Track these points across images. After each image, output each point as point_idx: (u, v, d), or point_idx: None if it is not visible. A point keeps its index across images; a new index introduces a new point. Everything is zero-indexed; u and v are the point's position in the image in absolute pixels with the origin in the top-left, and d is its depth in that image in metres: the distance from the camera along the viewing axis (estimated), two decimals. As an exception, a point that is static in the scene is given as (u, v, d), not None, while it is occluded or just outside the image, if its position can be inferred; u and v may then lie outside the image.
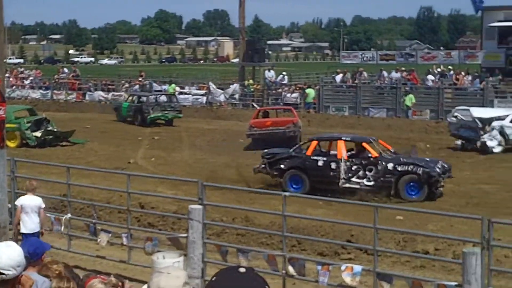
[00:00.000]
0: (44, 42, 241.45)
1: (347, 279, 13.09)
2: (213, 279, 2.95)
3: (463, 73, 55.10)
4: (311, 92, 51.94)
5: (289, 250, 14.96)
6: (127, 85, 61.22)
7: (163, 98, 48.92)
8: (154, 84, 60.37)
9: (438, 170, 23.77)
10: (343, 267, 13.42)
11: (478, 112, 35.89)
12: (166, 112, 45.42)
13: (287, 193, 15.30)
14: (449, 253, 15.66)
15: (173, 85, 58.65)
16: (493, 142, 33.52)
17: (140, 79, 62.87)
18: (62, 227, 16.84)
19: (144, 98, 47.46)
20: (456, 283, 12.10)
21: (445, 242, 16.16)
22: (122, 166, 28.09)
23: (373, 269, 13.28)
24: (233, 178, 25.91)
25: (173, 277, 4.25)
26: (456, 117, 36.26)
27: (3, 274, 4.73)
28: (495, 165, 30.45)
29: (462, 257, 11.86)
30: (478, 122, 34.16)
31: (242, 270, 2.94)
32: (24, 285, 5.04)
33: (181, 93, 56.93)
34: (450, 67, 58.77)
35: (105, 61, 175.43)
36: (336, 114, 49.70)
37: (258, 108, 43.85)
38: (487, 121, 34.17)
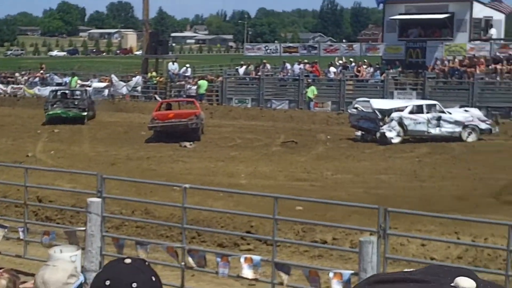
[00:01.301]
0: None
1: (249, 273, 13.15)
2: (100, 270, 2.93)
3: (364, 65, 55.89)
4: (203, 83, 52.25)
5: (188, 242, 14.96)
6: (26, 77, 60.30)
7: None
8: (55, 77, 59.58)
9: None
10: (242, 258, 13.47)
11: (378, 103, 36.47)
12: (68, 109, 41.97)
13: (187, 185, 15.24)
14: (346, 242, 15.89)
15: (75, 77, 57.92)
16: (392, 133, 34.08)
17: (41, 71, 62.00)
18: (-44, 222, 16.56)
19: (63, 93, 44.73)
20: (352, 272, 12.26)
21: (343, 231, 16.40)
22: (20, 159, 27.70)
23: (272, 259, 13.38)
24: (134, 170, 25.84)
25: (59, 270, 4.26)
26: (356, 108, 36.76)
27: None
28: (393, 155, 31.00)
29: (358, 246, 12.05)
30: (378, 113, 34.67)
31: (128, 261, 2.92)
32: None
33: (82, 85, 56.36)
34: (351, 59, 59.38)
35: (9, 52, 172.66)
36: (239, 106, 49.86)
37: (160, 100, 43.86)
38: (386, 112, 34.72)
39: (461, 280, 1.01)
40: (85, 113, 41.93)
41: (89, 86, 56.19)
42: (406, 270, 1.16)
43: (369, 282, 1.07)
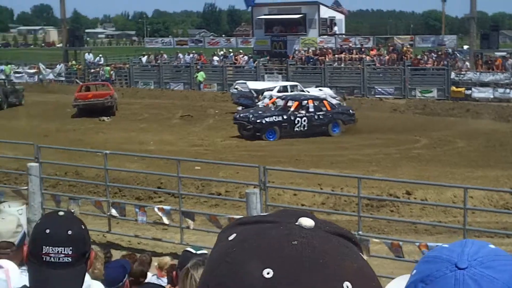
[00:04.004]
0: None
1: (166, 219, 13.10)
2: (38, 221, 2.91)
3: (240, 55, 56.02)
4: (106, 69, 51.83)
5: (112, 196, 14.76)
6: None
7: None
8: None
9: None
10: (156, 208, 13.39)
11: (253, 84, 36.63)
12: None
13: (107, 151, 14.98)
14: (236, 194, 15.96)
15: (9, 65, 56.21)
16: (263, 107, 34.34)
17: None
18: None
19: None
20: (242, 216, 12.34)
21: (233, 185, 16.47)
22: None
23: (179, 208, 13.34)
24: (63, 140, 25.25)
25: (7, 222, 4.15)
26: (237, 89, 36.83)
27: None
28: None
29: (245, 197, 12.12)
30: (254, 92, 34.82)
31: (61, 213, 2.94)
32: None
33: (16, 72, 54.74)
34: (230, 50, 59.46)
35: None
36: (144, 87, 49.30)
37: (81, 83, 42.82)
38: (260, 92, 34.89)
39: (303, 220, 1.03)
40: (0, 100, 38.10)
41: (23, 73, 54.50)
42: (262, 214, 1.18)
43: (233, 225, 1.08)
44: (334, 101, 34.76)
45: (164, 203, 14.70)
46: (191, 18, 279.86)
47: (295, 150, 24.39)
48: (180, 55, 57.53)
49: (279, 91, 34.96)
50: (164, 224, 13.32)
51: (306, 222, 1.02)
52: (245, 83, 37.08)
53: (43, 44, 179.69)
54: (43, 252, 2.71)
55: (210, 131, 29.46)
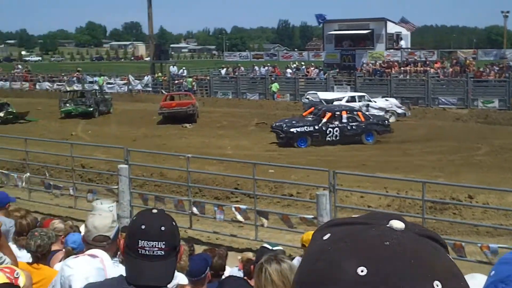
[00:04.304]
0: (2, 46, 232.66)
1: (240, 217, 13.17)
2: (134, 218, 2.96)
3: (311, 67, 55.91)
4: (189, 80, 52.44)
5: (193, 196, 14.89)
6: (66, 77, 59.81)
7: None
8: (87, 77, 59.12)
9: None
10: (233, 207, 13.47)
11: (323, 95, 36.52)
12: (77, 106, 38.35)
13: (189, 155, 15.15)
14: (307, 195, 15.88)
15: (102, 77, 57.62)
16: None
17: (77, 73, 61.50)
18: (23, 183, 16.42)
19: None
20: (313, 216, 12.28)
21: (304, 187, 16.39)
22: (67, 137, 27.44)
23: (254, 208, 13.39)
24: (150, 144, 25.66)
25: (103, 217, 4.28)
26: (308, 98, 36.78)
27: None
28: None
29: (316, 198, 12.05)
30: (324, 102, 34.66)
31: (154, 211, 2.98)
32: (-5, 226, 4.83)
33: (108, 83, 56.06)
34: (302, 63, 59.42)
35: (52, 59, 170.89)
36: (223, 97, 49.69)
37: (166, 93, 43.47)
38: (330, 101, 34.72)
39: (394, 222, 1.03)
40: (92, 109, 38.29)
41: (114, 83, 55.69)
42: (353, 216, 1.13)
43: (327, 226, 1.08)
44: (400, 110, 34.41)
45: (241, 203, 14.74)
46: (266, 34, 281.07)
47: (362, 155, 24.14)
48: (256, 67, 57.84)
49: (347, 101, 34.76)
50: (239, 221, 13.39)
51: (397, 224, 1.02)
52: (316, 93, 36.99)
53: (132, 58, 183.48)
54: (139, 245, 2.79)
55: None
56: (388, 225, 1.02)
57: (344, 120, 27.15)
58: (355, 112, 28.00)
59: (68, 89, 50.15)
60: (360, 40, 57.43)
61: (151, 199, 14.59)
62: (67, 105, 38.39)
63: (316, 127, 26.84)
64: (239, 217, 13.11)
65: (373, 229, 1.01)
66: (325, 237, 1.03)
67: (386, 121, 28.57)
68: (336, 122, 27.06)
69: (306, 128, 26.84)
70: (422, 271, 0.96)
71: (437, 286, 0.96)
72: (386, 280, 0.95)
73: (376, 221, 1.04)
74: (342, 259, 0.98)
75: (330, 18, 61.62)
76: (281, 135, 26.89)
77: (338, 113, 27.60)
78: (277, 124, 27.81)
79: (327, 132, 26.79)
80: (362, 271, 0.95)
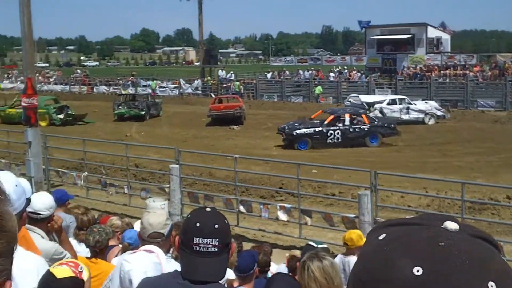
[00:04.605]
0: (63, 51, 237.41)
1: (284, 216, 13.18)
2: (188, 216, 2.97)
3: (354, 71, 55.60)
4: (236, 84, 52.55)
5: (240, 194, 14.95)
6: (121, 81, 60.66)
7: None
8: (141, 81, 59.82)
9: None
10: (278, 206, 13.49)
11: (365, 98, 36.30)
12: (130, 109, 38.43)
13: (237, 155, 15.23)
14: (348, 195, 15.78)
15: (154, 81, 58.22)
16: (375, 118, 33.92)
17: (132, 77, 62.31)
18: (82, 182, 16.70)
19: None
20: (354, 215, 12.23)
21: (346, 187, 16.28)
22: (121, 138, 27.81)
23: (298, 206, 13.39)
24: (199, 145, 25.86)
25: (158, 215, 4.32)
26: (350, 101, 36.58)
27: (40, 214, 4.66)
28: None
29: (358, 197, 12.00)
30: (365, 104, 34.48)
31: (208, 209, 3.00)
32: (56, 221, 4.95)
33: (161, 86, 56.64)
34: (345, 67, 59.17)
35: (109, 64, 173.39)
36: (268, 100, 49.72)
37: (214, 96, 43.73)
38: (371, 104, 34.51)
39: (449, 223, 1.00)
40: (144, 112, 38.29)
41: (166, 87, 56.24)
42: (406, 217, 1.13)
43: (382, 226, 1.07)
44: (439, 113, 33.83)
45: (285, 202, 14.75)
46: (310, 39, 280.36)
47: (402, 156, 23.88)
48: (300, 71, 57.80)
49: (388, 104, 34.50)
50: (284, 220, 13.41)
51: (451, 225, 1.01)
52: (358, 96, 36.77)
53: (183, 63, 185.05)
54: (194, 242, 2.82)
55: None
56: (442, 226, 1.01)
57: (347, 123, 26.62)
58: (359, 115, 27.39)
59: (123, 92, 50.84)
60: (401, 45, 56.91)
61: (200, 197, 14.70)
62: (120, 108, 38.70)
63: (317, 130, 26.39)
64: (282, 217, 13.13)
65: (427, 230, 1.00)
66: (381, 237, 1.03)
67: (392, 124, 27.58)
68: (339, 125, 26.58)
69: (307, 131, 26.39)
70: (477, 272, 0.95)
71: (492, 286, 0.94)
72: (441, 280, 0.94)
73: (431, 222, 1.03)
74: (397, 259, 0.97)
75: (372, 24, 61.30)
76: (283, 137, 26.77)
77: (341, 115, 27.14)
78: (281, 126, 27.62)
79: (328, 134, 26.32)
80: (417, 271, 0.94)
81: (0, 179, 3.28)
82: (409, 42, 56.71)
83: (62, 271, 3.19)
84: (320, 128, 26.40)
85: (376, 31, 59.39)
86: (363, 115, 27.15)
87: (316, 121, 27.55)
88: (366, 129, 26.49)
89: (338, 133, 26.31)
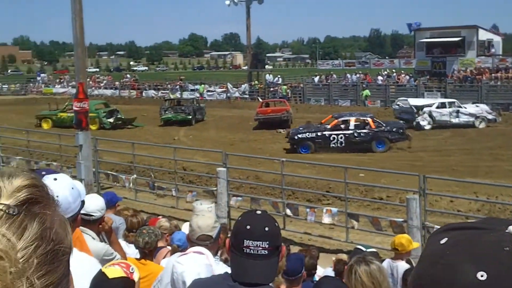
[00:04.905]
0: (113, 57, 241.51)
1: (327, 219, 13.13)
2: (239, 218, 2.96)
3: (402, 74, 55.01)
4: (283, 88, 52.51)
5: (286, 198, 14.95)
6: (170, 86, 61.32)
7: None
8: (189, 85, 60.37)
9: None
10: (324, 210, 13.44)
11: (414, 101, 35.83)
12: (177, 114, 38.15)
13: (284, 159, 15.25)
14: (396, 199, 15.64)
15: (202, 85, 58.68)
16: (424, 122, 33.51)
17: (180, 81, 62.92)
18: (130, 184, 16.93)
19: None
20: (402, 220, 12.11)
21: (394, 191, 16.15)
22: (169, 141, 28.13)
23: (345, 210, 13.32)
24: (246, 149, 25.95)
25: (207, 218, 4.35)
26: (398, 105, 36.19)
27: (92, 215, 4.76)
28: (426, 138, 30.32)
29: (406, 202, 11.88)
30: (414, 108, 34.08)
31: (258, 212, 2.99)
32: (107, 223, 5.06)
33: (208, 91, 57.03)
34: (393, 70, 58.68)
35: (158, 69, 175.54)
36: (315, 104, 49.59)
37: (261, 100, 43.81)
38: (420, 108, 34.11)
39: None
40: (190, 117, 37.99)
41: (213, 91, 56.61)
42: (468, 221, 1.10)
43: (443, 230, 1.04)
44: (490, 116, 33.16)
45: (332, 205, 14.68)
46: (358, 42, 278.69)
47: (452, 160, 23.50)
48: (348, 75, 57.55)
49: (437, 107, 34.02)
50: (330, 223, 13.35)
51: None
52: (406, 99, 36.33)
53: (230, 67, 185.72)
54: (244, 245, 2.82)
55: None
56: (507, 231, 0.98)
57: (351, 127, 26.19)
58: (365, 120, 26.84)
59: (171, 96, 51.36)
60: (451, 48, 56.09)
61: (246, 200, 14.75)
62: (167, 113, 38.54)
63: (319, 134, 26.12)
64: (327, 220, 13.07)
65: (491, 234, 0.97)
66: (442, 241, 1.00)
67: (401, 129, 26.73)
68: (343, 129, 26.23)
69: (308, 135, 26.19)
70: None
71: None
72: (507, 286, 0.91)
73: (494, 226, 1.00)
74: (461, 264, 0.95)
75: (421, 27, 60.58)
76: (287, 141, 26.72)
77: (345, 120, 26.76)
78: (286, 130, 27.71)
79: (331, 138, 25.99)
80: (482, 276, 0.92)
81: (57, 181, 3.38)
82: (459, 44, 55.83)
83: (114, 271, 3.25)
84: (323, 132, 26.18)
85: (425, 34, 58.66)
86: (370, 120, 26.61)
87: (326, 126, 27.21)
88: (371, 134, 26.00)
89: (341, 138, 26.00)
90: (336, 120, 26.94)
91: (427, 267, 0.99)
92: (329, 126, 26.55)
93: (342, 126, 26.43)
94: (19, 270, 1.00)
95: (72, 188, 3.55)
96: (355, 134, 26.00)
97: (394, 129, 26.37)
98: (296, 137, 26.29)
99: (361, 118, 27.14)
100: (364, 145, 25.68)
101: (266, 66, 77.02)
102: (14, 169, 1.40)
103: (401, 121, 28.44)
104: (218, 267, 3.97)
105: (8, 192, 1.09)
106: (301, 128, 27.56)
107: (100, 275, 3.26)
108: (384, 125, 26.50)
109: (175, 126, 36.69)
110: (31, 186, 1.11)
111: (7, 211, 1.05)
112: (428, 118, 33.51)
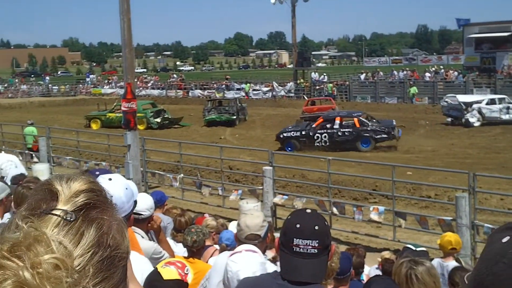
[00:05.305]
0: (159, 57, 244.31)
1: (375, 217, 13.03)
2: (289, 217, 2.96)
3: (450, 71, 54.18)
4: (329, 86, 52.38)
5: (333, 196, 14.90)
6: (215, 85, 61.72)
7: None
8: (235, 84, 60.64)
9: None
10: (371, 208, 13.35)
11: (462, 97, 35.21)
12: (221, 114, 37.20)
13: (330, 157, 15.20)
14: (445, 197, 15.42)
15: (248, 84, 58.88)
16: (473, 118, 32.93)
17: (225, 80, 63.28)
18: (178, 183, 17.10)
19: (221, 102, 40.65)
20: (451, 218, 11.95)
21: (442, 189, 15.94)
22: (216, 141, 28.30)
23: (392, 209, 13.21)
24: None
25: (255, 217, 4.33)
26: (446, 101, 35.65)
27: (141, 214, 4.85)
28: (475, 135, 29.85)
29: (455, 200, 11.73)
30: (463, 105, 33.52)
31: (308, 210, 2.99)
32: (156, 221, 5.14)
33: (254, 89, 57.18)
34: (441, 66, 57.84)
35: (204, 68, 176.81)
36: (362, 101, 49.25)
37: (307, 99, 43.73)
38: (469, 104, 33.53)
39: None
40: (234, 117, 37.11)
41: (259, 90, 56.78)
42: None
43: (506, 228, 1.03)
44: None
45: (379, 204, 14.56)
46: (405, 39, 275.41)
47: (501, 157, 23.03)
48: (395, 72, 57.03)
49: (487, 104, 33.40)
50: (377, 222, 13.26)
51: None
52: (455, 96, 35.76)
53: (276, 65, 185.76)
54: (294, 243, 2.83)
55: (421, 140, 28.71)
56: None
57: (336, 126, 25.97)
58: (350, 119, 26.57)
59: (217, 96, 51.70)
60: (501, 43, 55.03)
61: (291, 199, 14.74)
62: (211, 113, 37.66)
63: (303, 133, 26.02)
64: (375, 218, 12.98)
65: None
66: (505, 240, 0.99)
67: (387, 128, 25.97)
68: (327, 128, 26.07)
69: (293, 134, 26.19)
70: None
71: None
72: None
73: None
74: None
75: (470, 22, 59.60)
76: (275, 140, 26.86)
77: (330, 119, 26.62)
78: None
79: (315, 137, 25.84)
80: None
81: (112, 182, 3.44)
82: (509, 39, 54.67)
83: (169, 273, 3.28)
84: (308, 131, 26.12)
85: (474, 29, 57.67)
86: (355, 119, 26.33)
87: (312, 124, 27.15)
88: (355, 133, 25.75)
89: (325, 137, 25.88)
90: (321, 119, 27.04)
91: (489, 266, 0.98)
92: (314, 125, 26.63)
93: (327, 125, 26.42)
94: (75, 281, 0.99)
95: (126, 189, 3.59)
96: (339, 133, 25.94)
97: (380, 129, 26.01)
98: (281, 136, 26.51)
99: (347, 117, 27.06)
100: (348, 144, 25.51)
101: (319, 64, 76.59)
102: (72, 172, 1.40)
103: (393, 120, 28.08)
104: (269, 265, 3.97)
105: (66, 197, 1.09)
106: (289, 127, 27.81)
107: (155, 275, 3.29)
108: (370, 124, 26.18)
109: (220, 126, 36.76)
110: (89, 191, 1.11)
111: (64, 217, 1.05)
112: (478, 114, 32.92)
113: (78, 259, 1.02)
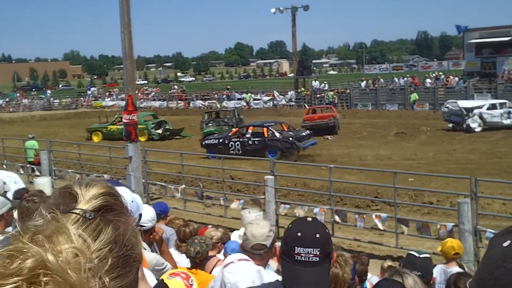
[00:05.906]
0: (160, 68, 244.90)
1: (379, 224, 13.04)
2: (290, 225, 2.97)
3: (451, 76, 54.22)
4: (330, 94, 52.41)
5: (335, 204, 14.90)
6: (216, 96, 61.77)
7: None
8: (236, 94, 60.68)
9: None
10: (373, 215, 13.37)
11: (463, 103, 35.27)
12: (219, 127, 35.45)
13: (331, 165, 15.22)
14: (447, 203, 15.42)
15: (249, 94, 58.92)
16: (474, 124, 32.96)
17: (226, 91, 63.33)
18: (179, 194, 17.12)
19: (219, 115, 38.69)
20: (453, 224, 11.96)
21: (444, 195, 15.94)
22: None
23: (395, 216, 13.22)
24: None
25: (261, 227, 4.32)
26: (447, 107, 35.69)
27: (143, 226, 4.89)
28: (476, 140, 29.85)
29: (457, 206, 11.73)
30: (464, 110, 33.56)
31: (309, 219, 2.99)
32: (158, 233, 5.18)
33: (255, 99, 57.22)
34: (441, 72, 57.82)
35: (204, 79, 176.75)
36: (363, 109, 49.27)
37: (308, 107, 43.73)
38: (470, 109, 33.58)
39: None
40: (235, 129, 35.07)
41: (259, 99, 56.78)
42: None
43: (506, 232, 1.05)
44: None
45: (381, 211, 14.56)
46: (405, 46, 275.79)
47: (503, 162, 23.05)
48: (395, 79, 57.10)
49: (488, 109, 33.44)
50: (379, 229, 13.26)
51: None
52: (456, 102, 35.82)
53: (276, 74, 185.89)
54: (295, 252, 2.82)
55: (422, 146, 28.70)
56: None
57: (248, 135, 26.81)
58: (260, 129, 27.21)
59: (218, 106, 51.70)
60: (501, 47, 55.09)
61: (292, 207, 14.75)
62: (210, 125, 35.96)
63: (221, 140, 27.14)
64: (379, 225, 12.99)
65: None
66: (505, 244, 1.00)
67: (291, 138, 26.21)
68: (241, 136, 26.97)
69: (213, 141, 27.34)
70: None
71: None
72: None
73: None
74: None
75: (471, 27, 59.65)
76: (201, 146, 28.04)
77: (244, 128, 27.84)
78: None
79: (230, 145, 26.82)
80: None
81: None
82: (510, 44, 54.73)
83: (175, 284, 3.29)
84: (223, 139, 27.22)
85: (474, 35, 57.74)
86: (264, 129, 26.98)
87: (229, 133, 28.22)
88: (263, 142, 26.48)
89: (238, 145, 26.85)
90: (236, 128, 28.37)
91: (490, 270, 0.99)
92: (230, 134, 27.70)
93: (242, 133, 27.26)
94: (95, 267, 1.04)
95: (132, 202, 3.61)
96: (250, 142, 26.70)
97: (284, 140, 26.39)
98: (203, 143, 27.78)
99: (259, 126, 27.71)
100: (258, 152, 25.81)
101: (313, 73, 76.55)
102: (91, 179, 1.47)
103: (309, 131, 28.76)
104: (269, 275, 3.98)
105: (85, 199, 1.15)
106: (214, 135, 29.15)
107: (161, 285, 3.32)
108: (277, 135, 26.62)
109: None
110: (107, 194, 1.17)
111: (83, 215, 1.11)
112: (479, 120, 32.96)
113: (96, 252, 1.06)
